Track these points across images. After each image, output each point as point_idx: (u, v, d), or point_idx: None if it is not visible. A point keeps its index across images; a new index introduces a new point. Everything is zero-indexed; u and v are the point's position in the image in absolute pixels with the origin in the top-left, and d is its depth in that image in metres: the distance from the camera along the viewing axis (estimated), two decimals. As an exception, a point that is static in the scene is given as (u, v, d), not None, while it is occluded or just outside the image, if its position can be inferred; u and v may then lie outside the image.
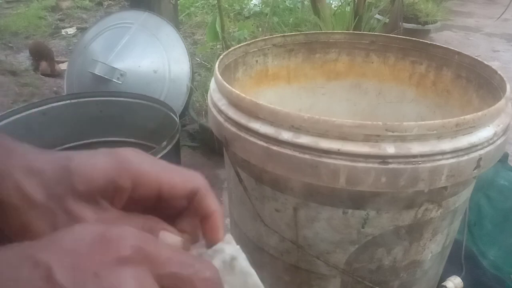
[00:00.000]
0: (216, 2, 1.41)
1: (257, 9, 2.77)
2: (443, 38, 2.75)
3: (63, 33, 2.66)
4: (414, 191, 0.40)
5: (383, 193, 0.41)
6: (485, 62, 0.56)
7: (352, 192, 0.41)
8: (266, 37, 0.67)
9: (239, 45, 0.63)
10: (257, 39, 0.66)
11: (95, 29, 1.56)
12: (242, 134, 0.45)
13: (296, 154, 0.40)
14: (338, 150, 0.38)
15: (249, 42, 0.65)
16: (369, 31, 1.59)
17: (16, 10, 3.02)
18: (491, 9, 3.47)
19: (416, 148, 0.38)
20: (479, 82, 0.57)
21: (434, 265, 0.53)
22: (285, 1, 2.62)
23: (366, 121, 0.38)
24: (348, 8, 1.79)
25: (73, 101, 1.23)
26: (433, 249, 0.49)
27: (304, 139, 0.39)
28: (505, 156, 1.28)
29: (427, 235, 0.47)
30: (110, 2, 3.32)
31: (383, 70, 0.70)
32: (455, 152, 0.38)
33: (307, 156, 0.39)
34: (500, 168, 1.19)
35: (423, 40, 0.65)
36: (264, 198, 0.50)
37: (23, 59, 2.25)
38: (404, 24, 1.75)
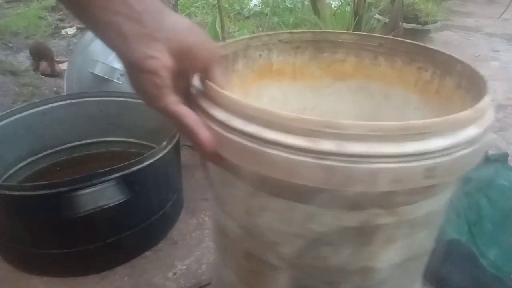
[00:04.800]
0: (216, 2, 1.41)
1: (257, 9, 2.77)
2: (443, 38, 2.75)
3: (63, 33, 2.66)
4: (357, 192, 0.39)
5: (327, 190, 0.40)
6: (480, 73, 0.54)
7: (296, 186, 0.40)
8: (271, 32, 0.66)
9: (240, 38, 0.62)
10: (261, 34, 0.65)
11: (95, 29, 1.56)
12: (203, 118, 0.45)
13: (245, 142, 0.40)
14: (279, 141, 0.38)
15: (251, 36, 0.64)
16: (369, 31, 1.59)
17: (16, 10, 3.02)
18: (491, 9, 3.48)
19: (355, 147, 0.37)
20: (474, 93, 0.55)
21: (395, 276, 0.50)
22: (285, 1, 2.63)
23: (309, 116, 0.38)
24: (348, 8, 1.80)
25: (73, 101, 1.23)
26: (388, 258, 0.47)
27: (251, 128, 0.39)
28: (505, 156, 1.28)
29: (378, 242, 0.45)
30: (110, 2, 3.32)
31: (390, 73, 0.69)
32: (399, 157, 0.37)
33: (254, 145, 0.39)
34: (500, 168, 1.19)
35: (430, 47, 0.63)
36: (223, 183, 0.50)
37: (23, 59, 2.25)
38: (404, 24, 1.75)
